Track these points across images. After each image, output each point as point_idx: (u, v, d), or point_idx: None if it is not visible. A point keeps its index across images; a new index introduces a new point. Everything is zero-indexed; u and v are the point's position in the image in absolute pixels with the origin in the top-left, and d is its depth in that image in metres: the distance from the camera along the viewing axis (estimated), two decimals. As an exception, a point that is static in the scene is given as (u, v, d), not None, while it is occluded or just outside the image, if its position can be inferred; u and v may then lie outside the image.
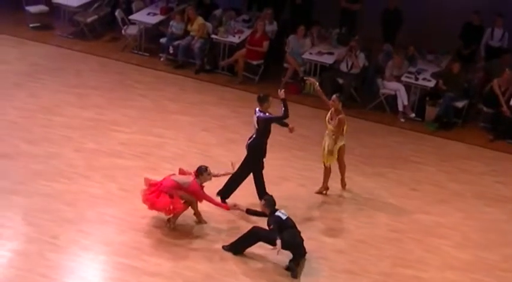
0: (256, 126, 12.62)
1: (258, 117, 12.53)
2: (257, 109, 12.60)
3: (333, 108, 13.08)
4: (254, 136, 12.69)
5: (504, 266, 12.21)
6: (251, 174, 12.77)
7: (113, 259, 11.38)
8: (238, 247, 11.70)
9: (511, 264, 12.29)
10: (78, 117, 15.27)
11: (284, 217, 11.50)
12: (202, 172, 11.94)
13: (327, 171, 13.48)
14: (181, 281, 11.05)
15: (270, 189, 12.99)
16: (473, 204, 13.91)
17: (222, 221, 12.10)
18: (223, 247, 11.76)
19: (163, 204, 11.85)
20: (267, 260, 11.61)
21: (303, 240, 11.59)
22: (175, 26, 18.35)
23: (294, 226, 11.58)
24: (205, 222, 12.32)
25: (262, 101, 12.53)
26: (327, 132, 13.19)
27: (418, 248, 12.43)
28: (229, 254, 11.65)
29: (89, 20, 19.35)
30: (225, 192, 12.83)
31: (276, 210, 11.56)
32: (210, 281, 11.14)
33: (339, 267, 11.75)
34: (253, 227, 11.62)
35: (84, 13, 19.49)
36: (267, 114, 12.50)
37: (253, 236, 11.56)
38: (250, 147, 12.73)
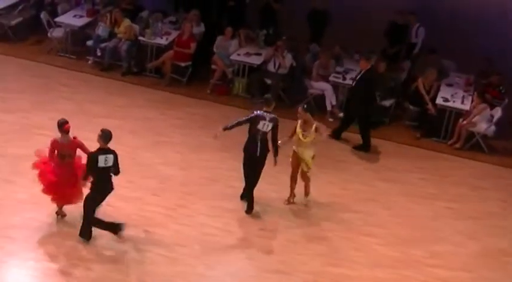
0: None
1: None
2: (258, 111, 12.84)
3: (301, 120, 12.97)
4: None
5: (432, 262, 12.39)
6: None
7: (42, 265, 11.20)
8: (101, 227, 11.75)
9: (438, 260, 12.48)
10: (3, 122, 14.97)
11: (105, 164, 11.40)
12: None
13: (307, 179, 13.46)
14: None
15: (198, 190, 13.00)
16: (400, 201, 14.08)
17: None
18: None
19: (41, 169, 11.98)
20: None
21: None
22: (102, 28, 18.15)
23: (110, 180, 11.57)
24: (65, 215, 12.29)
25: (267, 103, 12.83)
26: (298, 146, 13.06)
27: (347, 247, 12.53)
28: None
29: (13, 22, 19.02)
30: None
31: (108, 149, 11.46)
32: None
33: (268, 267, 11.77)
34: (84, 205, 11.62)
35: (8, 15, 19.18)
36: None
37: (89, 214, 11.59)
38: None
